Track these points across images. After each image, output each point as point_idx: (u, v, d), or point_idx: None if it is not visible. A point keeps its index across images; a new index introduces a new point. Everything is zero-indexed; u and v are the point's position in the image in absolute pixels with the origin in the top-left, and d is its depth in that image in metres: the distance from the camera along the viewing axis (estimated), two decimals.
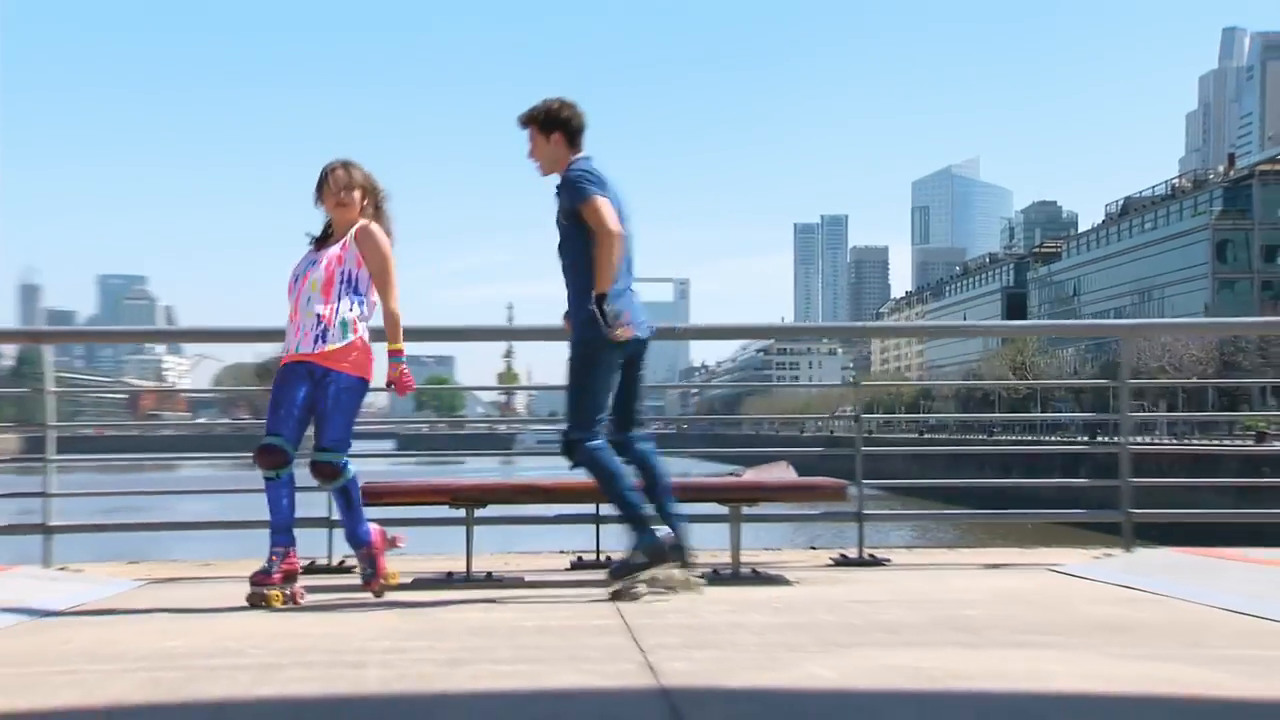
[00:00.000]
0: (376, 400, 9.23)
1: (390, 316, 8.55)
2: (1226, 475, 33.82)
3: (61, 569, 9.99)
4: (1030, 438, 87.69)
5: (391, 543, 8.63)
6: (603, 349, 8.25)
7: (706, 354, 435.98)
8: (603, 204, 8.21)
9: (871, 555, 10.74)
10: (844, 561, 10.65)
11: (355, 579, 8.98)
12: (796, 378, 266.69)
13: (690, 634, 6.78)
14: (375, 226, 8.55)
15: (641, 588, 8.32)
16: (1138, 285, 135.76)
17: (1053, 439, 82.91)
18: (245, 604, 8.16)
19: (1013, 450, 74.21)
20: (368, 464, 10.37)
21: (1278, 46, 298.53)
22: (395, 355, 8.50)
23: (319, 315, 8.29)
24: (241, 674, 5.71)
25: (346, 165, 8.67)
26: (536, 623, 7.35)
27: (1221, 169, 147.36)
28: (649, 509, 8.56)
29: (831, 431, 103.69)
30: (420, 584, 9.07)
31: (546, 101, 8.72)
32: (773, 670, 5.73)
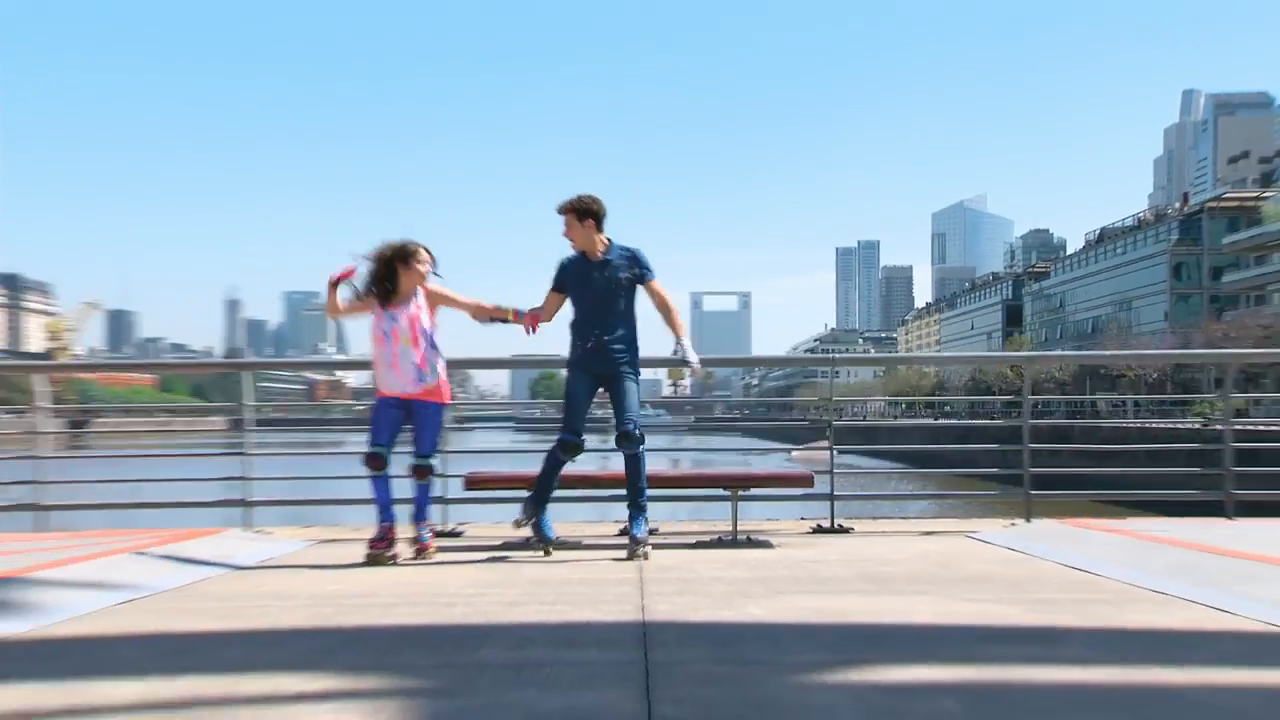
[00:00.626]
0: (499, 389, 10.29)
1: (471, 306, 9.45)
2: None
3: (257, 532, 10.87)
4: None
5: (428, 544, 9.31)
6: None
7: (769, 348, 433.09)
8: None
9: (840, 525, 11.21)
10: (819, 530, 11.09)
11: (463, 541, 10.16)
12: (838, 372, 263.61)
13: (681, 585, 7.47)
14: (431, 284, 9.35)
15: (649, 550, 9.07)
16: (1112, 298, 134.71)
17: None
18: (405, 556, 9.06)
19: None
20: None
21: (1226, 105, 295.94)
22: (502, 315, 9.37)
23: (415, 364, 9.10)
24: (373, 610, 6.63)
25: (425, 247, 9.39)
26: (579, 576, 8.01)
27: (1179, 205, 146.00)
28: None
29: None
30: (506, 546, 9.67)
31: (580, 197, 9.45)
32: (724, 610, 6.46)
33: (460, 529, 10.98)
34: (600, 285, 9.21)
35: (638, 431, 9.33)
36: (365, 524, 10.77)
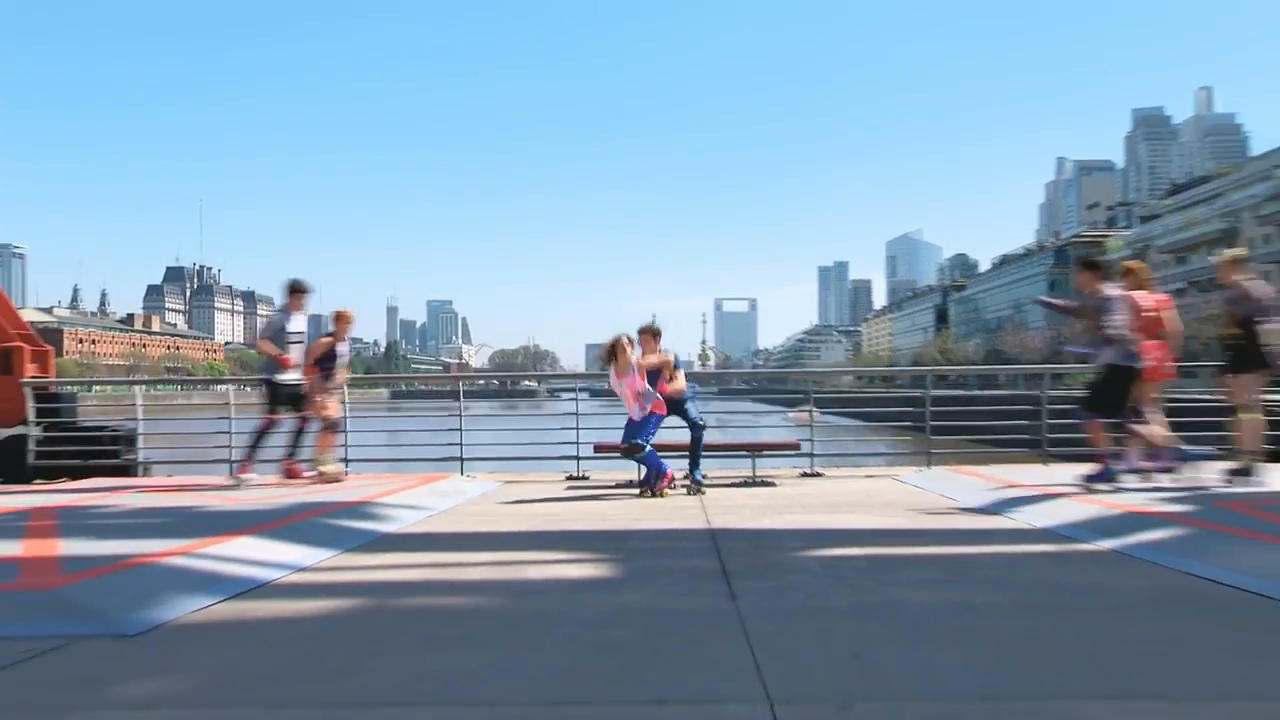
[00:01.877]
0: None
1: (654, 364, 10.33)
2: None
3: (470, 476, 11.96)
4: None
5: (669, 477, 10.10)
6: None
7: (766, 340, 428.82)
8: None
9: (817, 472, 12.19)
10: (804, 475, 12.00)
11: (592, 482, 11.26)
12: (819, 355, 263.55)
13: (727, 508, 8.78)
14: (636, 358, 10.16)
15: (704, 489, 10.27)
16: (1009, 304, 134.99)
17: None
18: (560, 492, 10.38)
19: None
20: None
21: (1086, 168, 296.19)
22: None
23: (638, 407, 10.02)
24: (564, 519, 8.16)
25: (629, 336, 10.29)
26: (670, 504, 9.29)
27: (1053, 239, 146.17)
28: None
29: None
30: (618, 486, 10.85)
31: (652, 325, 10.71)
32: (751, 522, 7.91)
33: (587, 474, 12.04)
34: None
35: (701, 423, 10.67)
36: (530, 470, 12.45)
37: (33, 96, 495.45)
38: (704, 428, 10.76)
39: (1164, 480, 9.14)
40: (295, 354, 10.64)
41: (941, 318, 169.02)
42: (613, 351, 10.22)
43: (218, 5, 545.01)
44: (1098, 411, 9.16)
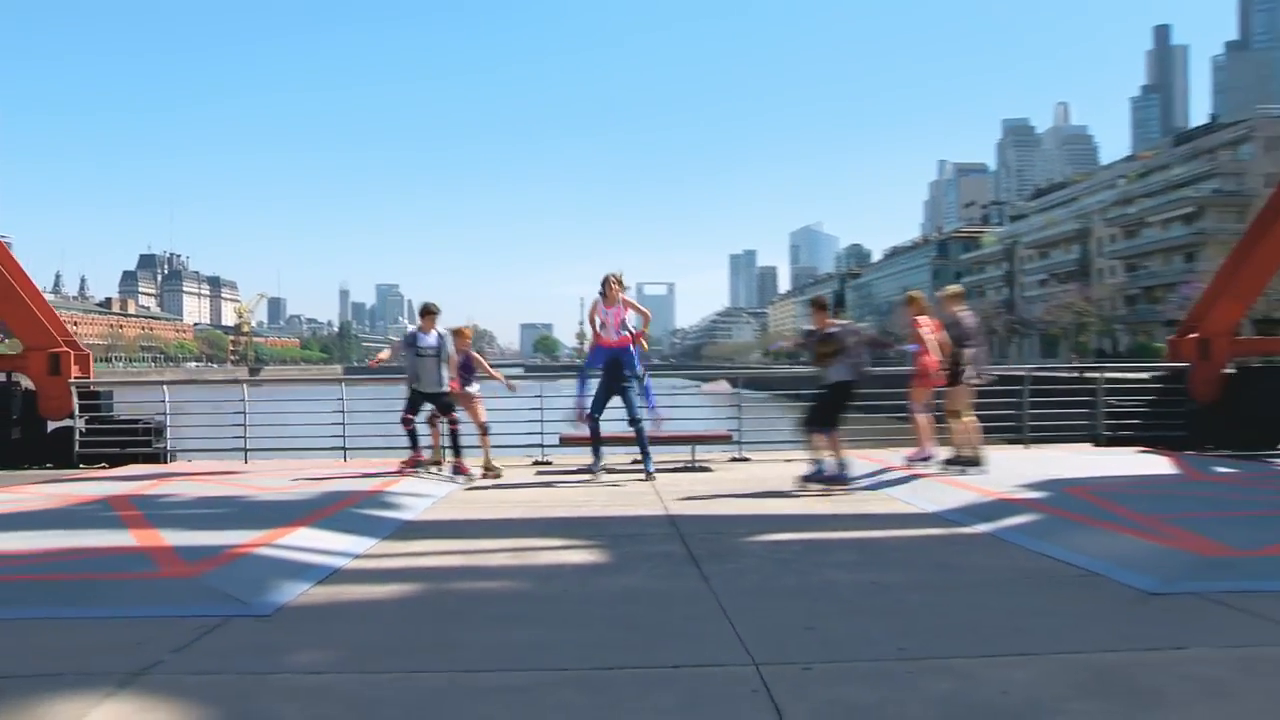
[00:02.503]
0: None
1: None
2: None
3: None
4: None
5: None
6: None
7: (683, 320, 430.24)
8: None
9: (745, 457, 12.91)
10: (734, 460, 12.76)
11: (557, 467, 11.72)
12: (730, 335, 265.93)
13: (676, 494, 9.57)
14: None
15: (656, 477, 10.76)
16: (898, 290, 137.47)
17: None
18: (532, 478, 10.83)
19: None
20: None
21: (965, 170, 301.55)
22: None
23: (621, 321, 10.81)
24: (544, 506, 8.74)
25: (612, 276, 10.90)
26: (631, 490, 10.01)
27: (936, 233, 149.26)
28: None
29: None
30: (580, 470, 11.17)
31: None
32: (704, 508, 8.71)
33: (550, 460, 12.63)
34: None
35: (639, 418, 10.99)
36: (502, 456, 12.78)
37: (18, 99, 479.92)
38: (641, 422, 11.03)
39: (909, 470, 10.52)
40: (427, 368, 10.98)
41: (839, 302, 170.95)
42: (606, 284, 10.90)
43: (187, 16, 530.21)
44: (816, 426, 10.03)
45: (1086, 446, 13.80)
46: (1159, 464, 11.12)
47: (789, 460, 12.55)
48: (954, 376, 10.50)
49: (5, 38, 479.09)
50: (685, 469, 11.95)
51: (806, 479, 9.78)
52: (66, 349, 13.63)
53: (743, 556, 6.46)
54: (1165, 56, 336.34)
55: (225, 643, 4.42)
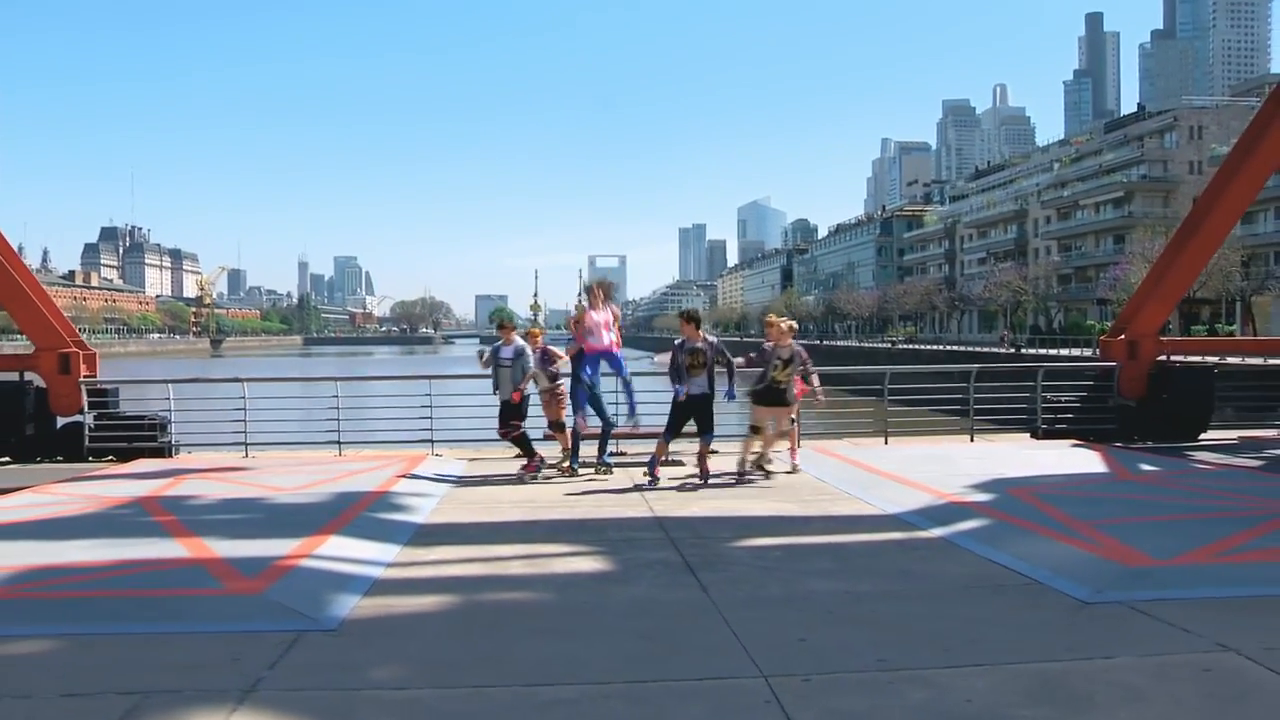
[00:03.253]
0: None
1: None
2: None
3: (438, 455, 12.68)
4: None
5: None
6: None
7: (635, 293, 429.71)
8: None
9: (714, 450, 12.24)
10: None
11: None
12: (681, 306, 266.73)
13: (656, 494, 10.24)
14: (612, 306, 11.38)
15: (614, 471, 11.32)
16: (844, 265, 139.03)
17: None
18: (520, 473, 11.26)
19: None
20: None
21: (906, 148, 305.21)
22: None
23: (610, 338, 11.19)
24: (543, 508, 9.26)
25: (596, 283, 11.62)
26: (614, 489, 10.75)
27: (880, 211, 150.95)
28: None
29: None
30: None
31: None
32: (684, 509, 9.33)
33: (542, 457, 12.38)
34: None
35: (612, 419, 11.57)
36: (486, 447, 13.55)
37: None
38: (613, 425, 11.57)
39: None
40: (505, 376, 11.42)
41: (787, 276, 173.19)
42: (590, 292, 11.49)
43: None
44: (667, 435, 11.04)
45: (1025, 438, 14.69)
46: (1091, 460, 11.96)
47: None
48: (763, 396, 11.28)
49: None
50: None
51: (644, 484, 10.66)
52: (75, 349, 14.03)
53: (731, 564, 7.11)
54: (1097, 43, 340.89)
55: (308, 658, 4.97)
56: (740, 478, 11.10)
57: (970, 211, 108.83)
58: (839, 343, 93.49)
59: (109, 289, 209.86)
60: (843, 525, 8.67)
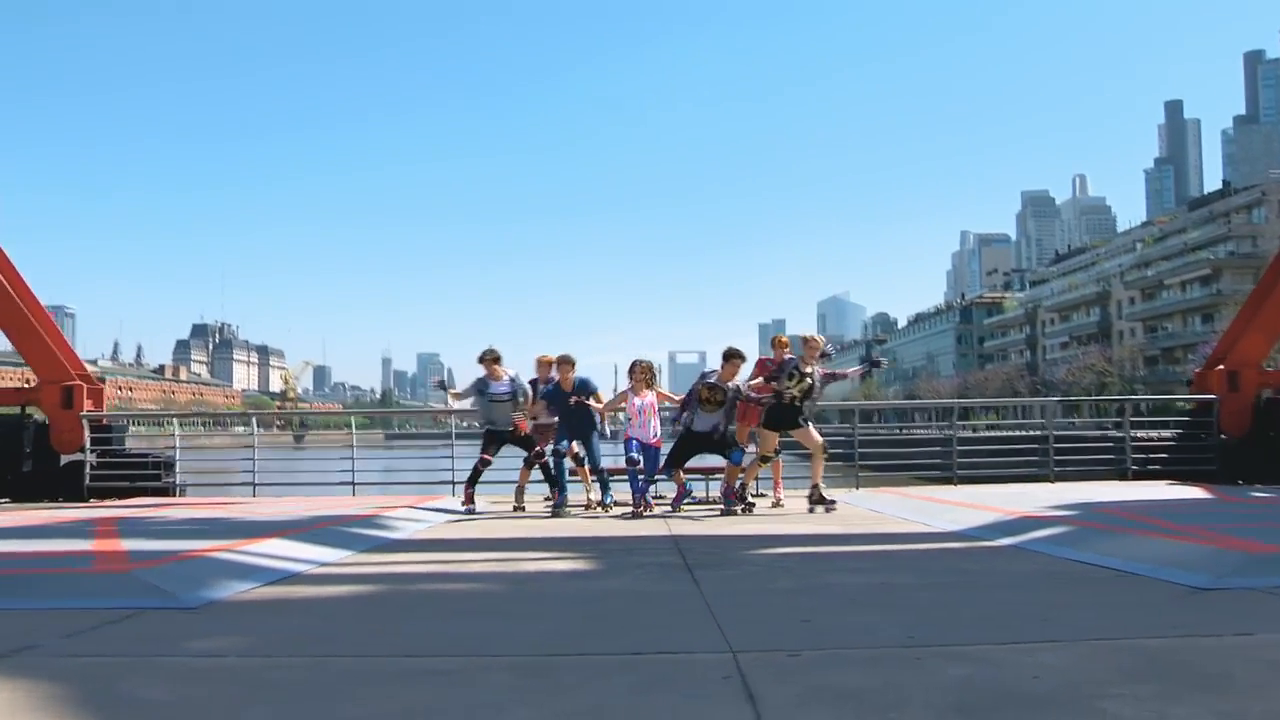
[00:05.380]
0: None
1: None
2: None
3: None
4: None
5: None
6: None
7: None
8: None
9: (761, 494, 11.70)
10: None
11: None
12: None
13: (684, 521, 9.19)
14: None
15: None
16: (924, 354, 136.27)
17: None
18: (542, 509, 10.20)
19: None
20: None
21: (986, 240, 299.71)
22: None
23: (654, 428, 9.92)
24: (544, 530, 8.19)
25: (645, 361, 10.13)
26: (638, 522, 9.41)
27: (960, 300, 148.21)
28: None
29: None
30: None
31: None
32: (711, 529, 8.11)
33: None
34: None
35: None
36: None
37: (85, 180, 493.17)
38: (602, 471, 10.46)
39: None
40: (499, 411, 10.40)
41: (872, 363, 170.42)
42: (642, 371, 10.14)
43: (240, 107, 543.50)
44: (674, 464, 9.89)
45: (1113, 483, 12.94)
46: (1193, 492, 10.29)
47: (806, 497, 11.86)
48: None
49: (79, 126, 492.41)
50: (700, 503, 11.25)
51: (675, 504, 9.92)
52: (80, 382, 13.12)
53: (741, 565, 5.73)
54: (1177, 130, 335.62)
55: (128, 630, 3.77)
56: (743, 505, 9.76)
57: (1051, 296, 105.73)
58: (918, 432, 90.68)
59: (197, 383, 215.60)
60: (889, 539, 7.28)
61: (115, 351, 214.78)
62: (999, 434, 27.03)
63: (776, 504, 10.37)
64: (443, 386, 10.73)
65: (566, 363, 10.23)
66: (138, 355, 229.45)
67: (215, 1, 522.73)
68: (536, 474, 10.60)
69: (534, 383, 10.87)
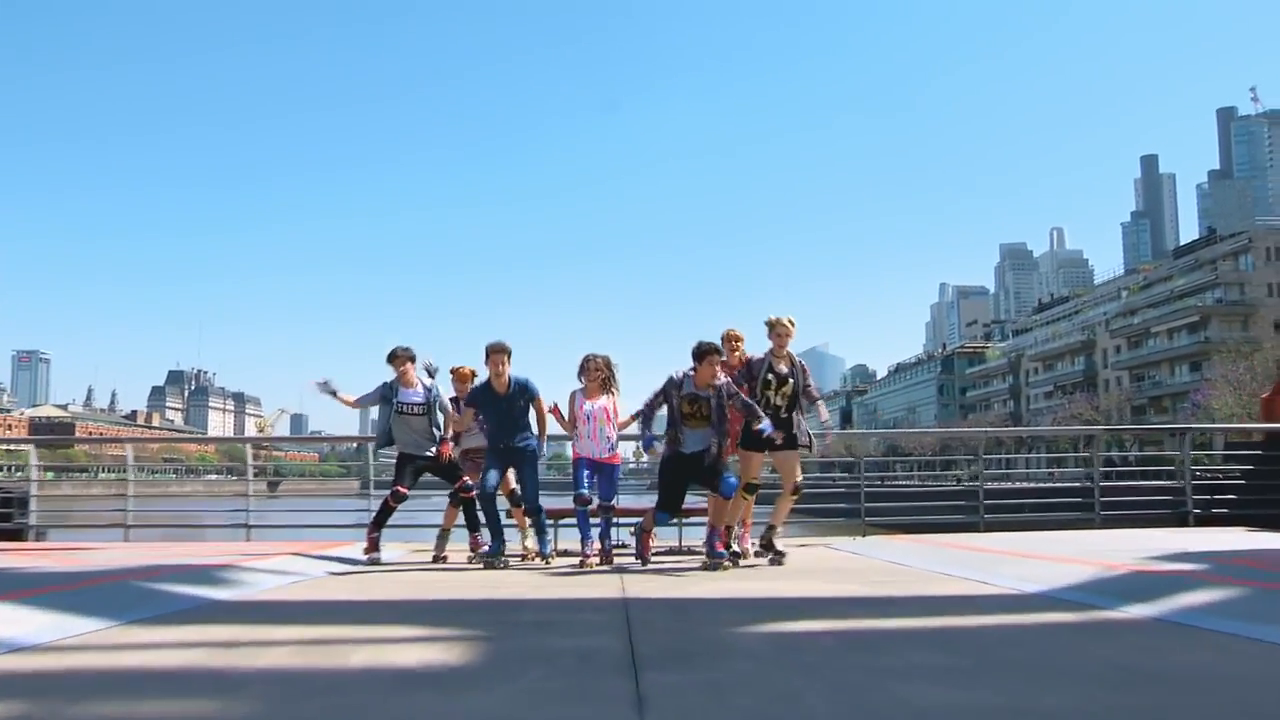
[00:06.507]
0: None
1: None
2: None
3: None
4: None
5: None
6: None
7: None
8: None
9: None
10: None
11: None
12: None
13: (644, 576, 6.84)
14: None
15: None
16: (903, 406, 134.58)
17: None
18: (464, 560, 7.92)
19: None
20: None
21: (966, 293, 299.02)
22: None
23: (609, 438, 7.53)
24: (441, 588, 5.93)
25: (600, 356, 7.71)
26: (590, 577, 7.27)
27: (940, 350, 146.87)
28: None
29: None
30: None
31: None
32: (679, 589, 5.90)
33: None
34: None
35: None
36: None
37: (61, 224, 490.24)
38: (539, 511, 7.94)
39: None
40: (419, 427, 8.01)
41: (846, 418, 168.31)
42: (597, 366, 7.69)
43: (221, 154, 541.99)
44: (671, 508, 7.58)
45: (1171, 530, 10.54)
46: None
47: (803, 545, 9.40)
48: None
49: (60, 172, 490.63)
50: (666, 552, 8.86)
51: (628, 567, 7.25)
52: None
53: (728, 657, 3.28)
54: (1153, 184, 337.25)
55: None
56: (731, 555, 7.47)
57: (1035, 345, 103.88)
58: (901, 485, 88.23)
59: (169, 429, 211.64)
60: (950, 605, 4.83)
61: (89, 397, 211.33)
62: (1029, 469, 24.65)
63: (746, 555, 7.81)
64: (328, 389, 8.15)
65: (499, 352, 7.53)
66: (112, 401, 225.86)
67: (193, 46, 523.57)
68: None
69: (454, 400, 8.46)
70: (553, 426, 7.91)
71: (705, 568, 7.01)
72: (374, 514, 8.19)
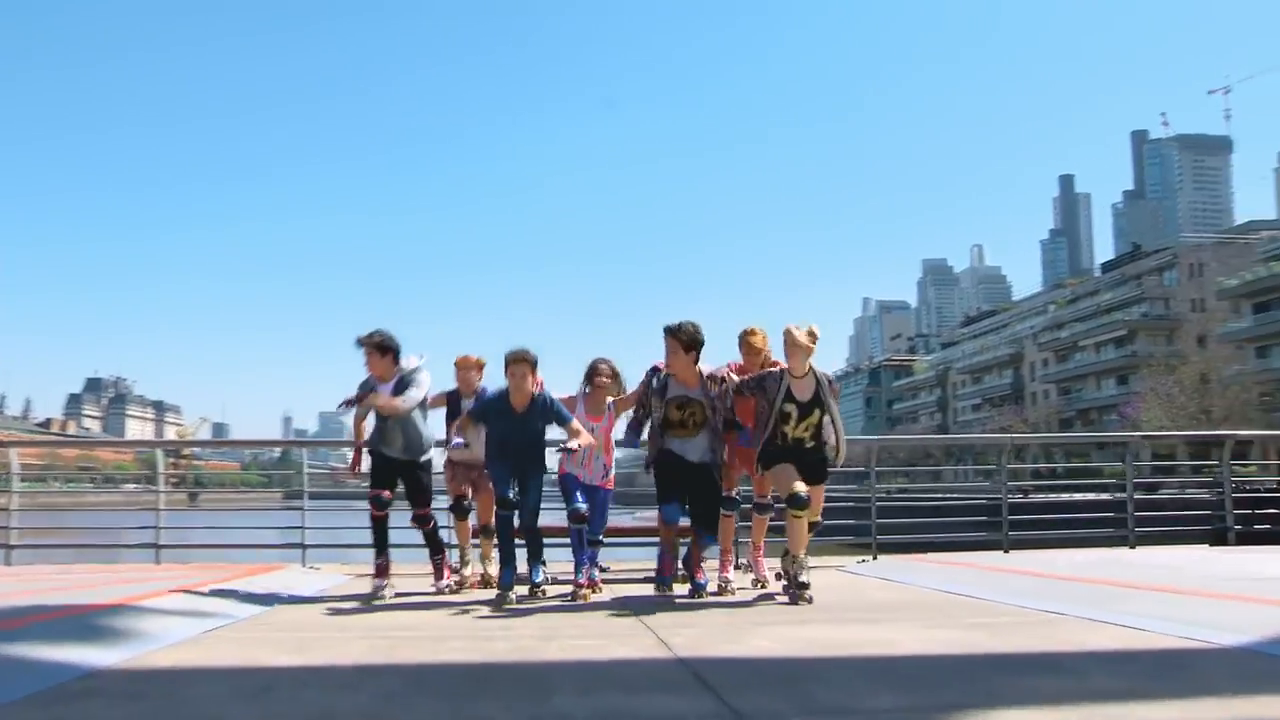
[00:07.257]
0: None
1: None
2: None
3: (313, 568, 8.19)
4: None
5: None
6: None
7: None
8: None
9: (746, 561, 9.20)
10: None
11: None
12: None
13: (672, 623, 5.52)
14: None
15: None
16: None
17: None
18: (428, 588, 6.58)
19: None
20: None
21: (889, 307, 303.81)
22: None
23: (605, 465, 6.37)
24: (416, 642, 4.44)
25: (604, 362, 6.40)
26: (594, 617, 6.09)
27: (867, 363, 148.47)
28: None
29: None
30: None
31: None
32: (737, 644, 4.54)
33: (468, 562, 8.29)
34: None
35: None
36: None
37: None
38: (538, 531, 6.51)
39: None
40: (391, 426, 6.48)
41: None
42: (604, 374, 6.38)
43: (135, 156, 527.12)
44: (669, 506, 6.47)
45: (1206, 548, 9.49)
46: None
47: (813, 566, 8.15)
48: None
49: None
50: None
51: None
52: None
53: None
54: (1070, 203, 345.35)
55: None
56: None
57: (963, 358, 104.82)
58: (905, 498, 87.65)
59: (85, 438, 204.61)
60: (1111, 664, 3.56)
61: (1, 403, 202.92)
62: (1048, 482, 23.53)
63: (723, 588, 6.33)
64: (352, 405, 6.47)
65: (523, 362, 6.04)
66: (25, 409, 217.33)
67: (118, 49, 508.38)
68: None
69: (453, 395, 6.89)
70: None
71: (692, 594, 6.01)
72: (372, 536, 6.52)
